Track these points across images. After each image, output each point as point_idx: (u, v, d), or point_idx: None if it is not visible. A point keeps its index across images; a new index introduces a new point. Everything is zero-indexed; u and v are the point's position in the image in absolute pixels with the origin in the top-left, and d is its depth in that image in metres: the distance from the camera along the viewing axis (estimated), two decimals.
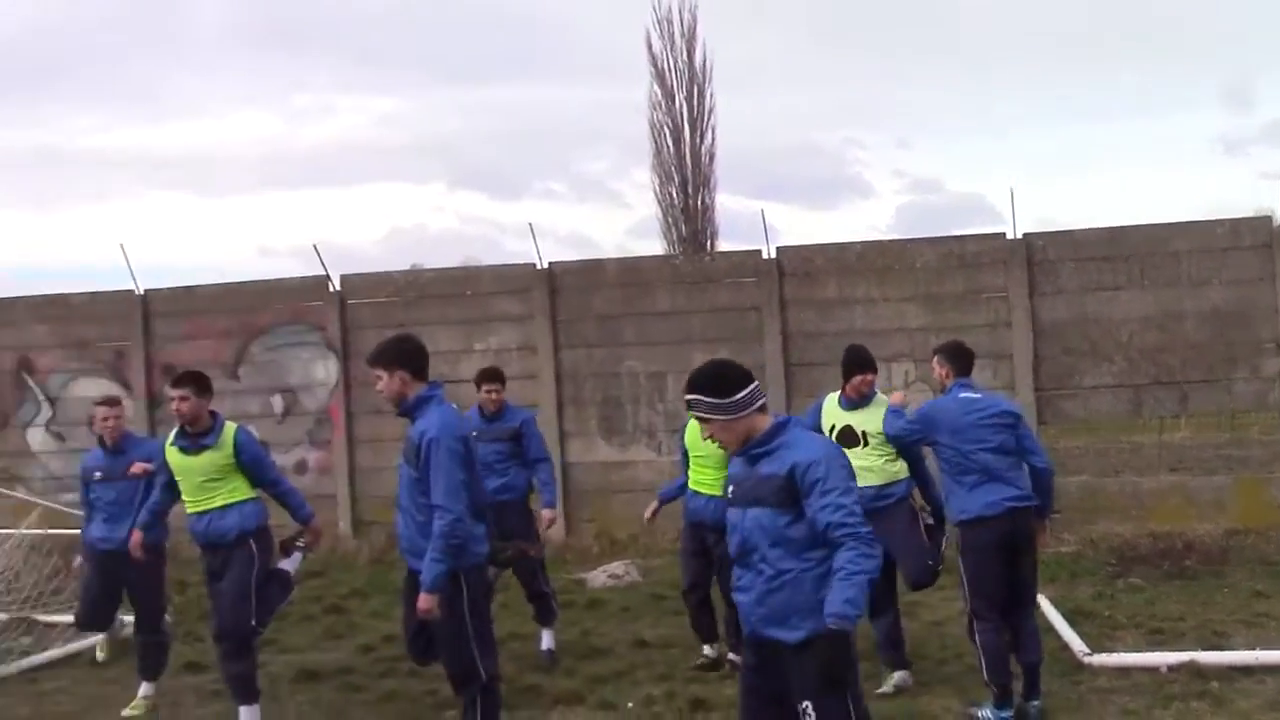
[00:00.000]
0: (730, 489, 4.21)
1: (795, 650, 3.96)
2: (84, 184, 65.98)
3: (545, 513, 8.25)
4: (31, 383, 13.99)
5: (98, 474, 7.31)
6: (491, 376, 8.07)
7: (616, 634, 8.61)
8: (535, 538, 7.91)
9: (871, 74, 61.02)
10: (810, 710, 3.93)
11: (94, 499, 7.33)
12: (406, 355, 5.41)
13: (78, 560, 7.88)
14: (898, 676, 6.77)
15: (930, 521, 6.83)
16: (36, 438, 14.01)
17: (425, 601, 5.16)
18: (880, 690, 6.54)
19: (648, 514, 7.86)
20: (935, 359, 6.69)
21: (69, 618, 8.13)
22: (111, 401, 7.56)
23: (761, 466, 4.05)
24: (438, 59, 60.12)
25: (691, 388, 4.14)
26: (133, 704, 7.15)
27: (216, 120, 63.58)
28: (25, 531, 8.89)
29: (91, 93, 65.83)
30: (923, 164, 63.28)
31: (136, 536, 6.82)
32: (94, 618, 7.57)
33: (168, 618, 7.78)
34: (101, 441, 7.38)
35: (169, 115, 66.40)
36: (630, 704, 6.75)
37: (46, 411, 13.96)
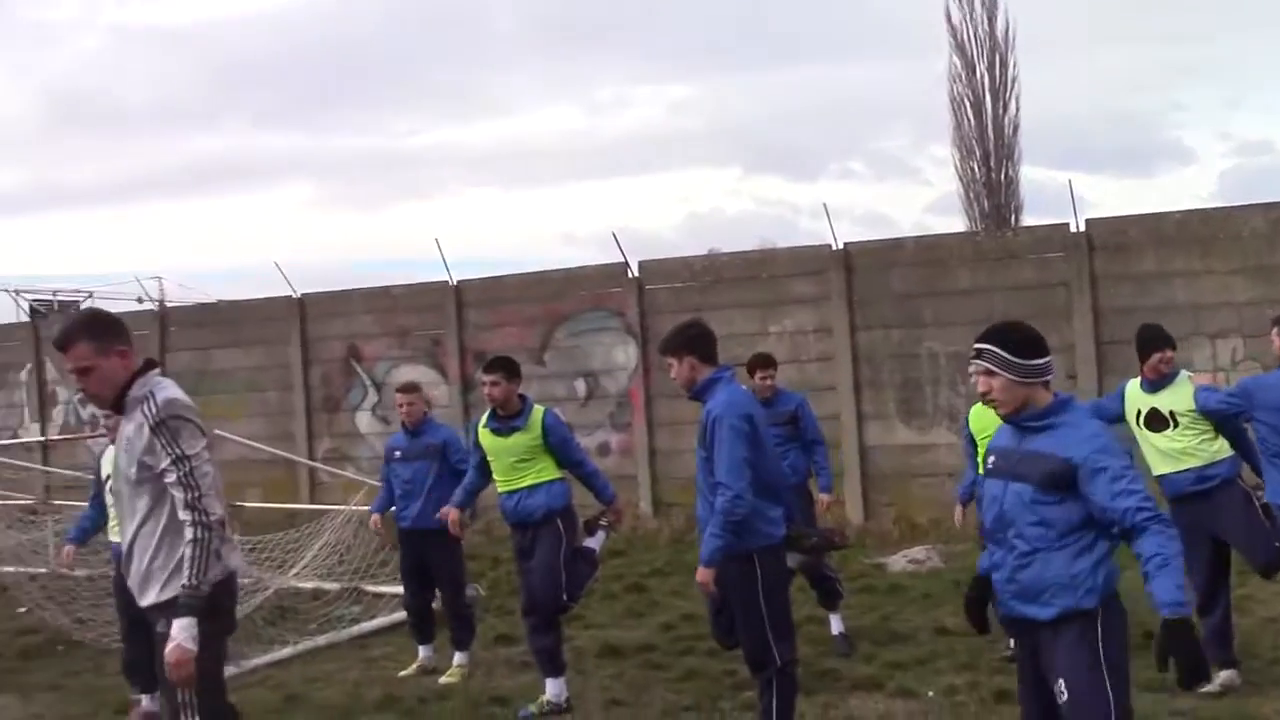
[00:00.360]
0: (991, 459, 4.02)
1: (1048, 627, 3.77)
2: (405, 183, 70.36)
3: (823, 496, 8.20)
4: (359, 369, 15.04)
5: (397, 453, 7.87)
6: (765, 362, 8.04)
7: (917, 620, 8.42)
8: (813, 522, 7.81)
9: (1195, 28, 56.83)
10: (1064, 689, 3.73)
11: (392, 477, 7.87)
12: (694, 341, 5.48)
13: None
14: (1225, 675, 6.28)
15: (1265, 499, 6.30)
16: (364, 420, 15.05)
17: (701, 575, 5.22)
18: (1204, 689, 6.10)
19: (957, 518, 7.71)
20: (1275, 330, 6.23)
21: (395, 588, 8.70)
22: (409, 388, 8.04)
23: (1032, 442, 3.85)
24: (728, 44, 60.41)
25: (987, 338, 3.97)
26: (449, 671, 7.58)
27: (522, 116, 66.45)
28: (354, 508, 9.55)
29: (409, 97, 70.05)
30: (1253, 125, 58.53)
31: (453, 514, 7.21)
32: (413, 595, 8.02)
33: (472, 591, 8.19)
34: (404, 424, 7.91)
35: (478, 114, 69.87)
36: (930, 693, 6.59)
37: (372, 396, 14.97)
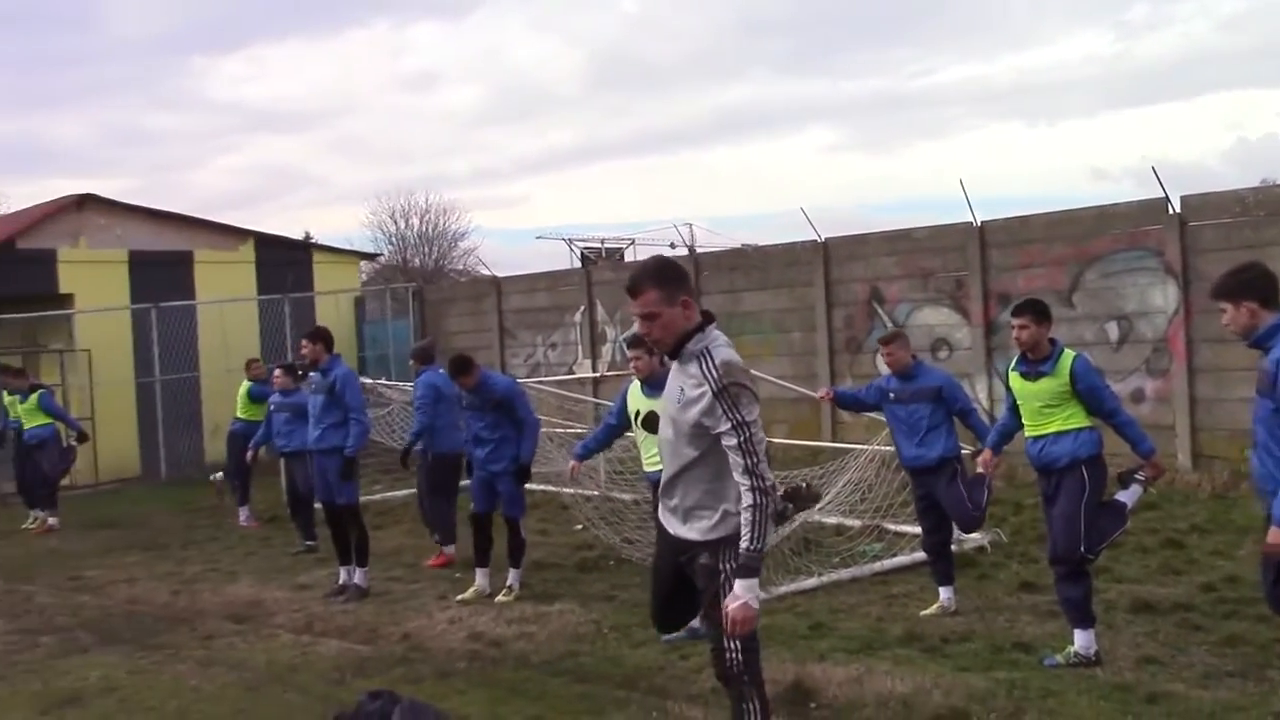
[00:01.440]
0: None
1: None
2: (920, 123, 69.53)
3: None
4: (881, 311, 15.20)
5: (891, 395, 8.04)
6: None
7: None
8: None
9: None
10: None
11: (890, 418, 8.12)
12: (1252, 285, 5.05)
13: None
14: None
15: None
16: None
17: (1274, 536, 4.81)
18: None
19: None
20: None
21: (915, 528, 8.82)
22: (890, 338, 8.17)
23: None
24: None
25: None
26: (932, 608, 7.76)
27: (1044, 47, 63.28)
28: (878, 448, 9.73)
29: (924, 37, 68.94)
30: None
31: (986, 455, 7.24)
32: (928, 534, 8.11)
33: (993, 536, 8.10)
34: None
35: (997, 47, 67.41)
36: None
37: None
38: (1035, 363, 6.68)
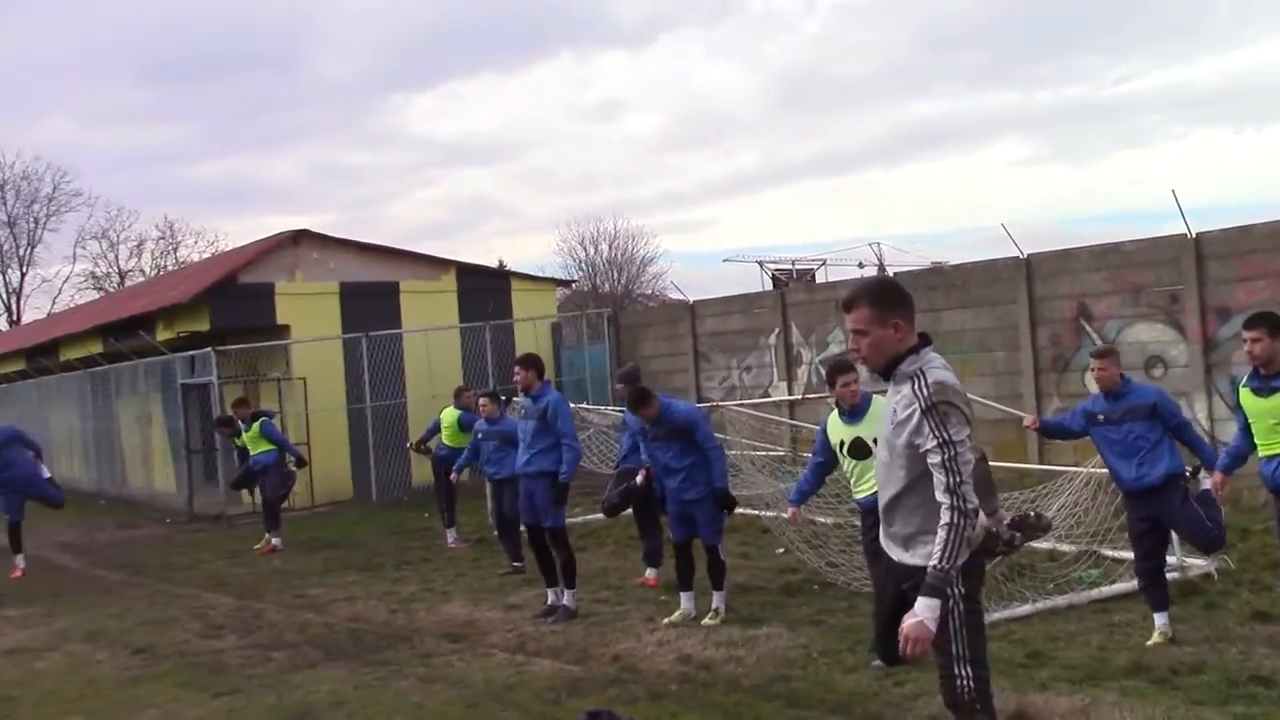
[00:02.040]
0: None
1: None
2: (1119, 133, 67.01)
3: None
4: (1089, 328, 14.68)
5: (1100, 416, 7.69)
6: None
7: None
8: None
9: None
10: None
11: (1100, 440, 7.71)
12: None
13: None
14: None
15: None
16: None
17: None
18: None
19: None
20: None
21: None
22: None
23: None
24: None
25: None
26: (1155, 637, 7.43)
27: (1251, 48, 60.21)
28: (1092, 470, 9.39)
29: (1119, 44, 66.44)
30: None
31: (1217, 478, 6.95)
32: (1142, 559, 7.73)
33: (1218, 563, 7.75)
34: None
35: (1199, 51, 64.47)
36: None
37: None
38: (1268, 378, 6.39)
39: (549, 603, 9.71)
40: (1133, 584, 8.71)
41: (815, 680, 7.20)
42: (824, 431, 8.09)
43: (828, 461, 8.24)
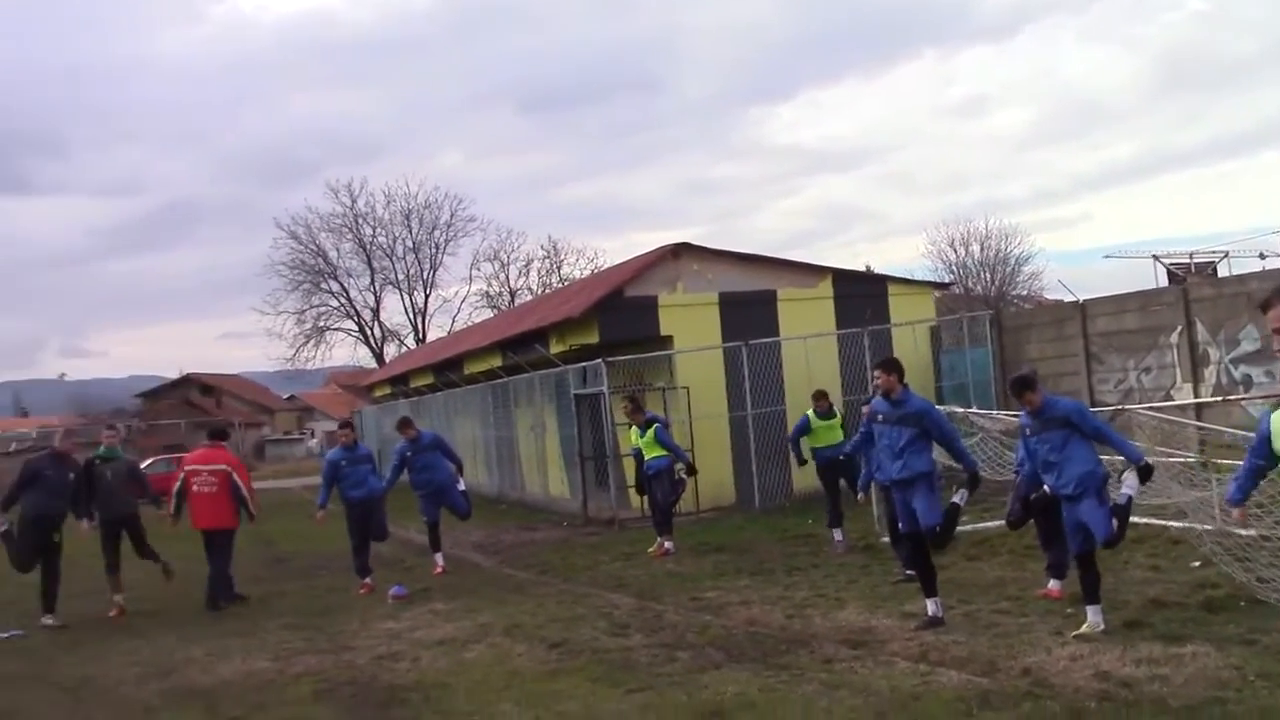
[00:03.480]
0: None
1: None
2: None
3: None
4: None
5: None
6: None
7: None
8: None
9: None
10: None
11: None
12: None
13: None
14: None
15: None
16: None
17: None
18: None
19: None
20: None
21: None
22: None
23: None
24: None
25: None
26: None
27: None
28: None
29: None
30: None
31: None
32: None
33: None
34: None
35: None
36: None
37: None
38: None
39: (930, 614, 9.53)
40: None
41: (1254, 705, 6.65)
42: (1264, 432, 7.44)
43: (1266, 465, 7.60)
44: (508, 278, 63.26)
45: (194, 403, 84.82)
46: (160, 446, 59.00)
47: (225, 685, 9.45)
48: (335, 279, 61.79)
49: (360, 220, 61.56)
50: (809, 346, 20.77)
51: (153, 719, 8.62)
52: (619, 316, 21.12)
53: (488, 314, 57.22)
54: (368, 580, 14.12)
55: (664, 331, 21.18)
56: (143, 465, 25.00)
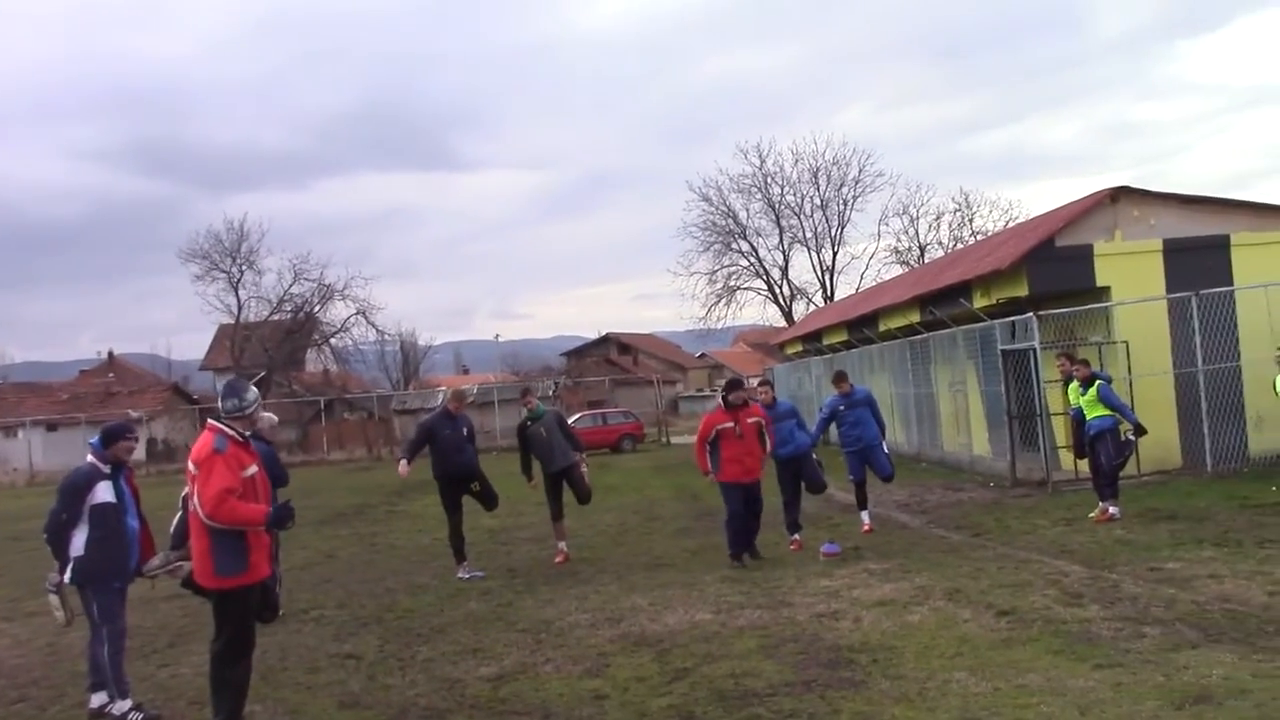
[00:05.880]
0: None
1: None
2: None
3: None
4: None
5: None
6: None
7: None
8: None
9: None
10: None
11: None
12: None
13: None
14: None
15: None
16: None
17: None
18: None
19: None
20: None
21: None
22: None
23: None
24: None
25: None
26: None
27: None
28: None
29: None
30: None
31: None
32: None
33: None
34: None
35: None
36: None
37: None
38: None
39: None
40: None
41: None
42: None
43: None
44: (917, 232, 61.98)
45: (613, 360, 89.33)
46: (584, 402, 62.51)
47: (672, 635, 9.66)
48: (745, 239, 62.84)
49: (769, 180, 62.19)
50: (1270, 295, 18.76)
51: (608, 663, 8.92)
52: (1050, 267, 19.96)
53: (896, 270, 56.27)
54: (796, 537, 14.11)
55: (1100, 283, 19.80)
56: (571, 421, 26.28)
